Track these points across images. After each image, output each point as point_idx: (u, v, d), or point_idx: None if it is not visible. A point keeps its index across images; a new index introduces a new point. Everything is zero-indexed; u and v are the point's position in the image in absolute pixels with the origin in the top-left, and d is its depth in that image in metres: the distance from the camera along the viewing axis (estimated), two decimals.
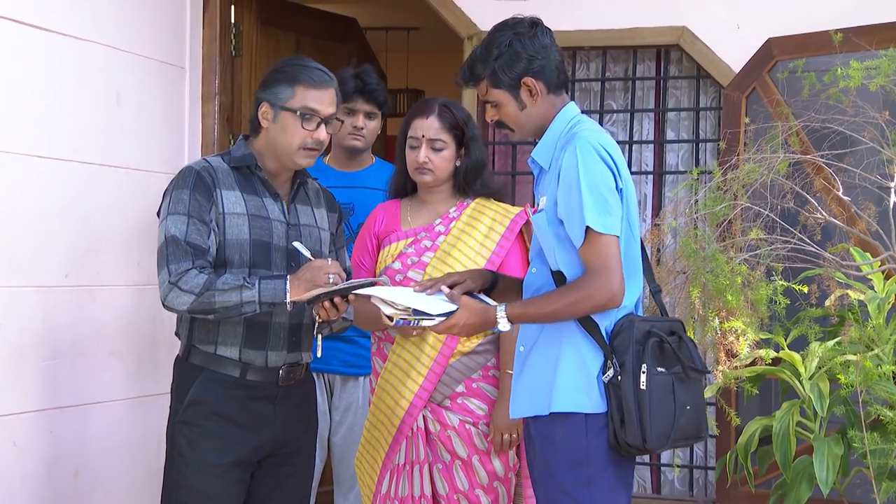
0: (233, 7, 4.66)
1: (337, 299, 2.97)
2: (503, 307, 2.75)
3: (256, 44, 4.83)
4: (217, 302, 2.94)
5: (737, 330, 3.53)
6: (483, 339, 3.39)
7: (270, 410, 3.11)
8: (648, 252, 4.29)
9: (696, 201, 3.79)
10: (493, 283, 3.02)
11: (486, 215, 3.44)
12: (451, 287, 2.87)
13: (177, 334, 3.17)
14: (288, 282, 2.95)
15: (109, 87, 4.01)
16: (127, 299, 4.07)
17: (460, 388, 3.39)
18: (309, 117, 3.06)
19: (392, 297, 2.80)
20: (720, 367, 3.60)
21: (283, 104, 3.05)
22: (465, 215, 3.44)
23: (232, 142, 4.57)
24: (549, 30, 2.85)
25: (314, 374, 3.74)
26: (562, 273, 2.74)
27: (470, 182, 3.45)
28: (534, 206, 2.99)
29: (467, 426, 3.36)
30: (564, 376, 2.71)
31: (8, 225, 3.56)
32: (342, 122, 3.22)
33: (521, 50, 2.78)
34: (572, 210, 2.67)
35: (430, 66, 8.58)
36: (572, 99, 4.58)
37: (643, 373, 2.63)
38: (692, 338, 2.96)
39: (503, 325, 2.74)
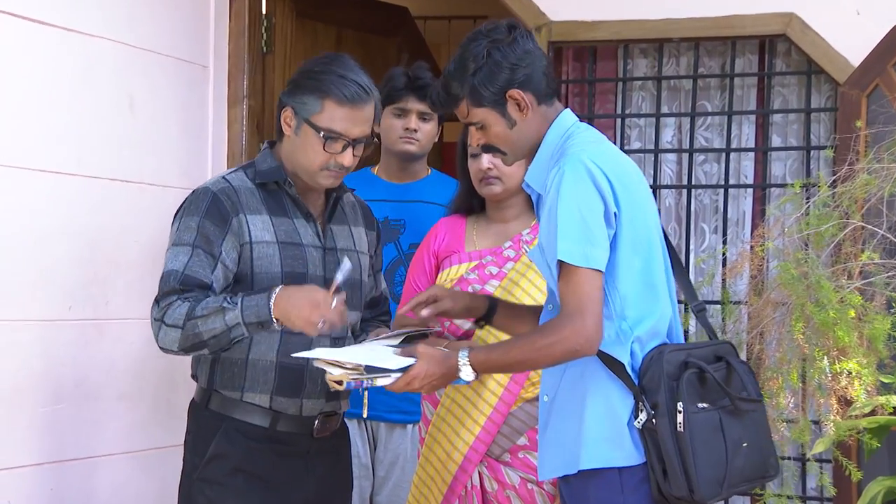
0: None
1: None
2: (466, 353, 2.77)
3: (291, 38, 4.87)
4: (203, 332, 2.94)
5: (851, 372, 3.49)
6: None
7: (302, 467, 3.14)
8: (746, 279, 4.29)
9: (800, 219, 3.77)
10: (490, 311, 3.05)
11: None
12: (428, 304, 2.91)
13: (194, 377, 3.20)
14: (273, 297, 2.91)
15: (121, 89, 4.06)
16: (140, 335, 4.08)
17: (522, 441, 3.39)
18: (333, 140, 3.06)
19: (338, 356, 2.81)
20: (833, 417, 3.57)
21: (307, 116, 3.07)
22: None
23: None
24: (529, 33, 2.87)
25: (356, 422, 3.78)
26: None
27: None
28: None
29: (529, 486, 3.37)
30: (592, 426, 2.71)
31: (4, 249, 3.61)
32: (377, 141, 3.23)
33: (502, 59, 2.80)
34: (550, 241, 2.69)
35: None
36: (659, 100, 4.71)
37: (679, 412, 2.63)
38: (750, 364, 2.95)
39: (466, 373, 2.77)
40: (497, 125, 2.84)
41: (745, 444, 2.71)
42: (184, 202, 3.13)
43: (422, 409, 3.58)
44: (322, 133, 3.05)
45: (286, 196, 3.14)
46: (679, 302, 3.01)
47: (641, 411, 2.68)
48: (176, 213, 3.13)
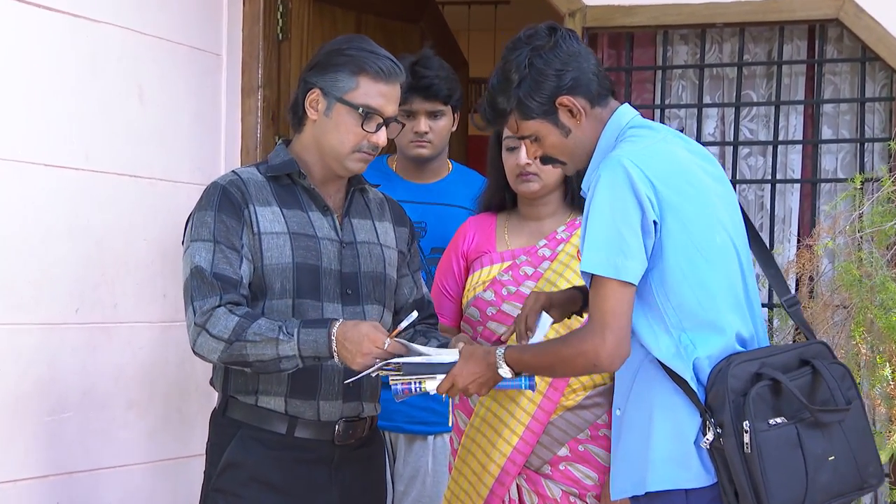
0: None
1: None
2: (503, 349, 2.83)
3: (308, 24, 4.86)
4: (250, 355, 2.96)
5: None
6: (591, 391, 3.38)
7: (325, 476, 3.12)
8: (793, 281, 4.24)
9: (861, 216, 3.73)
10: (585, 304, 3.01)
11: None
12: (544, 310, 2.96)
13: (212, 383, 3.19)
14: (334, 332, 2.94)
15: (130, 79, 4.05)
16: (150, 339, 4.11)
17: (563, 452, 3.38)
18: (371, 116, 3.08)
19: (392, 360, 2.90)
20: (895, 428, 3.53)
21: (341, 95, 3.07)
22: (577, 237, 3.43)
23: (277, 144, 4.60)
24: (573, 33, 2.85)
25: None
26: None
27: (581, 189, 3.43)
28: None
29: (572, 499, 3.35)
30: (659, 445, 2.70)
31: (6, 249, 3.61)
32: (403, 124, 3.24)
33: (545, 66, 2.79)
34: (583, 252, 2.71)
35: None
36: (701, 89, 4.66)
37: (746, 432, 2.60)
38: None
39: (504, 370, 2.83)
40: (551, 136, 2.83)
41: (831, 458, 2.67)
42: (198, 201, 3.14)
43: (453, 420, 3.56)
44: (360, 109, 3.07)
45: (300, 189, 3.15)
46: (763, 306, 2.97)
47: (709, 430, 2.65)
48: (190, 213, 3.13)
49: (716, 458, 2.65)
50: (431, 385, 2.86)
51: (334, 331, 2.94)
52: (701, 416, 2.67)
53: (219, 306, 2.98)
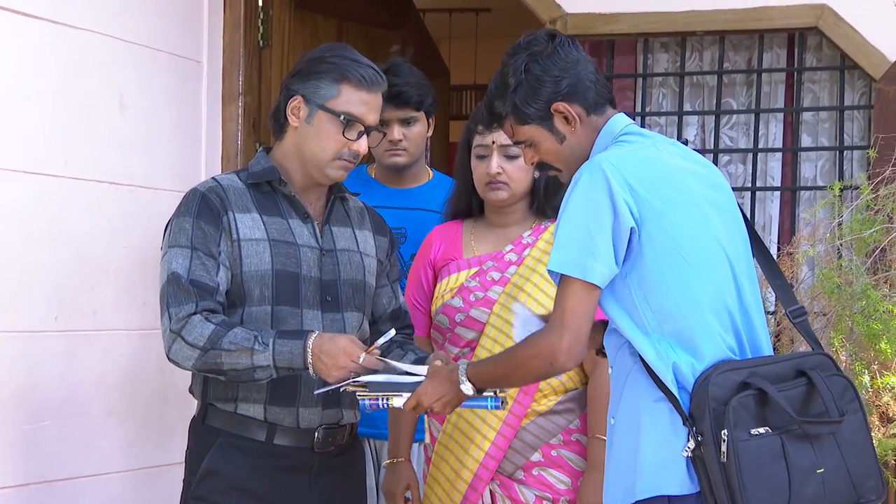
0: None
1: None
2: (464, 365, 2.83)
3: (289, 32, 4.86)
4: (224, 363, 2.97)
5: (894, 388, 3.47)
6: (563, 396, 3.39)
7: (305, 483, 3.12)
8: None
9: (840, 224, 3.74)
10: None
11: None
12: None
13: (191, 391, 3.19)
14: (310, 345, 2.95)
15: (110, 86, 4.05)
16: (129, 347, 4.09)
17: (536, 457, 3.39)
18: (352, 124, 3.09)
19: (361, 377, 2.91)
20: (874, 435, 3.53)
21: (322, 102, 3.08)
22: (543, 241, 3.45)
23: (258, 151, 4.59)
24: (572, 40, 2.86)
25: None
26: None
27: (550, 198, 3.45)
28: None
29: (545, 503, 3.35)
30: (647, 452, 2.69)
31: None
32: (384, 133, 3.24)
33: (542, 73, 2.79)
34: (552, 251, 2.71)
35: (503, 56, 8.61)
36: (681, 97, 4.68)
37: (723, 441, 2.59)
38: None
39: (465, 387, 2.81)
40: (546, 142, 2.84)
41: (820, 471, 2.64)
42: (176, 208, 3.13)
43: (426, 428, 3.57)
44: (342, 116, 3.08)
45: (281, 197, 3.15)
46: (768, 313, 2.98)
47: (691, 439, 2.65)
48: (168, 220, 3.13)
49: (698, 467, 2.64)
50: (398, 401, 2.86)
51: (310, 343, 2.94)
52: (684, 424, 2.66)
53: (194, 313, 2.98)
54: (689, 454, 2.64)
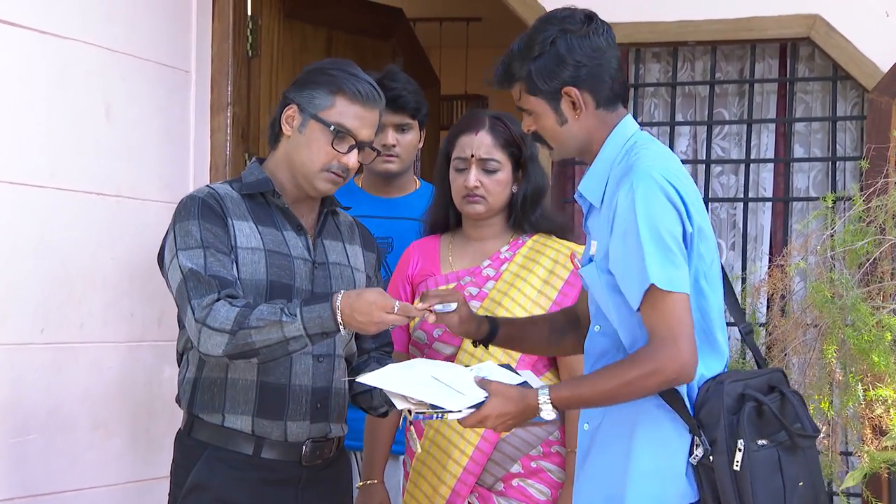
0: None
1: None
2: (546, 390, 2.73)
3: (278, 41, 4.87)
4: (257, 342, 2.93)
5: (887, 400, 3.48)
6: None
7: (292, 497, 3.12)
8: (765, 299, 4.27)
9: (832, 235, 3.75)
10: (492, 332, 3.03)
11: (546, 255, 3.46)
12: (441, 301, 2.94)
13: (177, 400, 3.19)
14: (338, 305, 2.91)
15: (97, 96, 4.05)
16: (117, 359, 4.08)
17: (516, 468, 3.40)
18: (342, 136, 3.09)
19: (406, 388, 2.77)
20: (866, 448, 3.55)
21: (315, 112, 3.10)
22: (521, 255, 3.47)
23: (247, 162, 4.58)
24: (607, 27, 2.84)
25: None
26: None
27: (528, 213, 3.47)
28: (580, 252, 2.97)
29: None
30: (640, 460, 2.69)
31: None
32: (378, 151, 3.25)
33: (567, 53, 2.77)
34: (629, 264, 2.67)
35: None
36: (673, 107, 4.70)
37: (739, 450, 2.61)
38: (802, 395, 2.92)
39: (547, 413, 2.72)
40: (547, 118, 2.82)
41: (801, 483, 2.68)
42: (172, 217, 3.12)
43: (406, 442, 3.57)
44: (332, 127, 3.08)
45: (274, 208, 3.16)
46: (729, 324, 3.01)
47: (698, 447, 2.65)
48: (167, 231, 3.12)
49: (700, 476, 2.65)
50: (455, 416, 2.73)
51: (337, 303, 2.92)
52: (691, 433, 2.67)
53: (217, 300, 2.97)
54: (696, 462, 2.65)
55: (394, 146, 3.96)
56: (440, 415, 2.73)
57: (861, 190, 4.00)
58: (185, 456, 3.13)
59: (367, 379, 2.82)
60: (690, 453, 2.67)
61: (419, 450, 3.25)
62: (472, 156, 3.42)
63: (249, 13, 4.71)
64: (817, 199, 4.42)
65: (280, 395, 3.08)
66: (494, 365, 2.93)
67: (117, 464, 4.11)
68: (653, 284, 2.62)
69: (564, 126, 2.81)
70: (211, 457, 3.08)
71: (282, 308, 2.94)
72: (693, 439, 2.67)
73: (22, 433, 3.73)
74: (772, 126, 4.68)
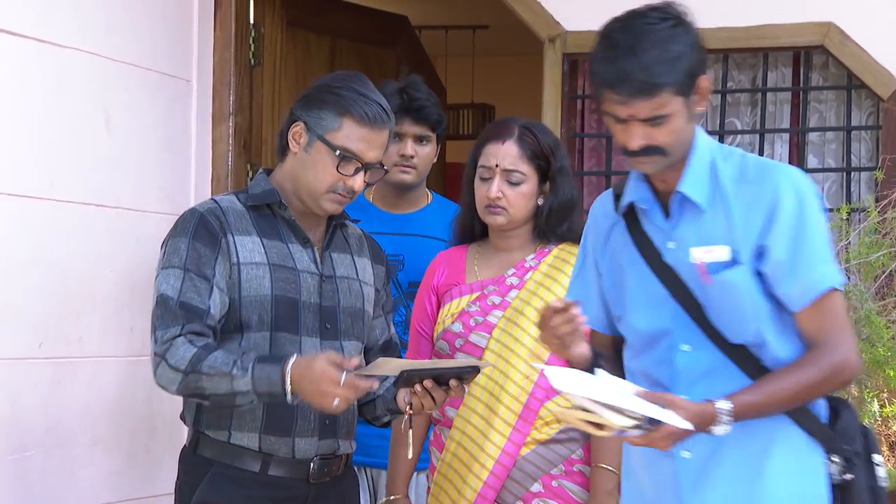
0: (251, 4, 4.70)
1: (427, 383, 2.96)
2: (728, 402, 2.53)
3: (281, 50, 4.87)
4: (206, 388, 2.98)
5: None
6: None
7: None
8: None
9: (847, 247, 3.75)
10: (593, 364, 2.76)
11: (572, 264, 3.40)
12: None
13: (182, 418, 3.19)
14: (288, 370, 2.93)
15: (96, 105, 4.05)
16: (116, 374, 4.08)
17: (536, 488, 3.38)
18: (348, 160, 3.09)
19: (612, 399, 2.48)
20: (887, 465, 3.53)
21: (322, 133, 3.10)
22: (545, 264, 3.46)
23: (249, 173, 4.61)
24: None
25: (356, 469, 3.74)
26: (746, 348, 2.63)
27: (554, 226, 3.46)
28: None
29: None
30: (776, 486, 2.60)
31: None
32: (386, 170, 3.25)
33: (695, 39, 2.60)
34: (800, 265, 2.59)
35: (501, 74, 8.63)
36: None
37: (877, 465, 2.58)
38: None
39: (723, 427, 2.53)
40: (680, 119, 2.59)
41: None
42: (170, 230, 3.15)
43: (429, 457, 3.55)
44: (338, 152, 3.08)
45: (281, 220, 3.17)
46: None
47: (835, 464, 2.61)
48: (164, 239, 3.14)
49: (837, 495, 2.60)
50: (623, 422, 2.47)
51: (288, 368, 2.93)
52: (826, 449, 2.61)
53: (179, 336, 2.99)
54: (838, 481, 2.60)
55: (412, 157, 3.95)
56: (647, 431, 2.50)
57: (876, 201, 4.00)
58: (190, 473, 3.13)
59: (565, 387, 2.52)
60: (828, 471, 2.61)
61: (411, 455, 3.22)
62: (497, 166, 3.41)
63: (252, 21, 4.71)
64: (832, 210, 4.41)
65: (288, 411, 3.07)
66: (605, 373, 2.69)
67: (117, 481, 4.10)
68: (833, 287, 2.59)
69: (688, 124, 2.63)
70: (217, 474, 3.08)
71: (235, 360, 2.96)
72: (828, 457, 2.61)
73: (20, 450, 3.72)
74: (785, 136, 4.69)
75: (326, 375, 2.88)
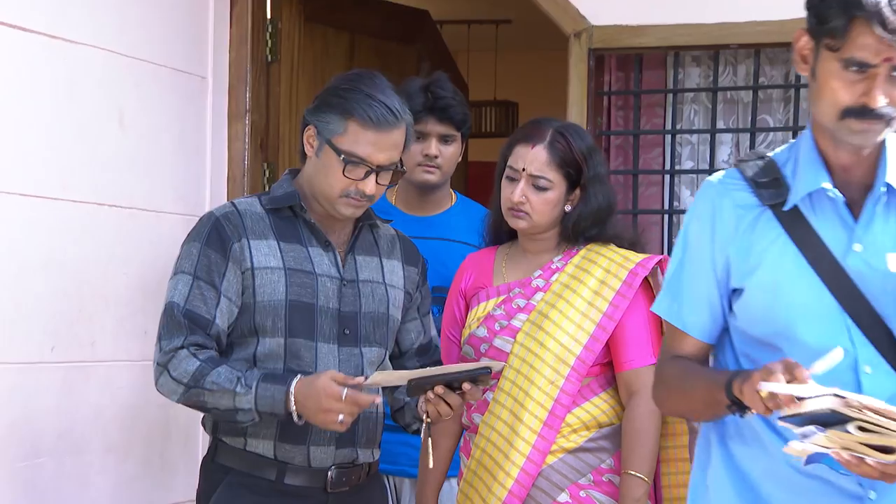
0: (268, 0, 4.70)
1: (439, 389, 2.97)
2: None
3: (299, 46, 4.87)
4: (208, 402, 3.02)
5: None
6: (595, 433, 3.37)
7: None
8: None
9: None
10: None
11: (599, 265, 3.42)
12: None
13: (203, 424, 3.21)
14: (293, 391, 2.97)
15: (110, 103, 4.05)
16: (130, 379, 4.08)
17: (564, 498, 3.36)
18: (354, 165, 3.08)
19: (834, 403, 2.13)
20: None
21: (329, 137, 3.11)
22: (572, 265, 3.44)
23: (266, 172, 4.62)
24: None
25: None
26: None
27: (583, 231, 3.44)
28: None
29: None
30: None
31: None
32: (404, 171, 3.24)
33: None
34: None
35: (525, 70, 8.61)
36: (714, 114, 4.65)
37: None
38: None
39: None
40: None
41: None
42: (188, 233, 3.18)
43: (460, 463, 3.56)
44: (343, 157, 3.08)
45: (302, 223, 3.17)
46: None
47: None
48: (183, 241, 3.17)
49: None
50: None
51: (292, 388, 2.97)
52: None
53: (181, 348, 3.03)
54: None
55: (436, 157, 3.94)
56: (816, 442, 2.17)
57: None
58: (208, 481, 3.16)
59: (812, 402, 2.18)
60: None
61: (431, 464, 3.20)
62: (524, 170, 3.39)
63: (269, 17, 4.71)
64: None
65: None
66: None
67: (130, 488, 4.10)
68: None
69: None
70: (233, 482, 3.10)
71: (239, 377, 3.00)
72: None
73: (31, 456, 3.72)
74: None
75: (328, 391, 2.92)
